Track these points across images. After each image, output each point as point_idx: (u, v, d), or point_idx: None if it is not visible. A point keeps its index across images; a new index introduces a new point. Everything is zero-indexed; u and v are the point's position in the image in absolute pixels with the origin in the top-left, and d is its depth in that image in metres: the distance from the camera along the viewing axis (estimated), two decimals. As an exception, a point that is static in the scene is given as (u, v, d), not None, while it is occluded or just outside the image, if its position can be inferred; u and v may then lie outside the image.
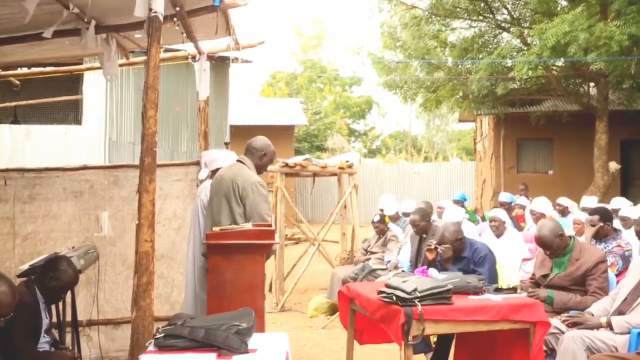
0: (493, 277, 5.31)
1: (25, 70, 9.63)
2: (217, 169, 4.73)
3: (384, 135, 45.29)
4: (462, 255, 5.36)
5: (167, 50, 6.93)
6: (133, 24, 4.85)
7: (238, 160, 4.52)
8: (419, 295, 3.84)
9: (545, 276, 4.76)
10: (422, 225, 6.47)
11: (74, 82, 13.25)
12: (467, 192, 17.31)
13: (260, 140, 4.57)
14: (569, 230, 7.27)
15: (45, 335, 4.04)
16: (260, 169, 4.53)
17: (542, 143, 18.69)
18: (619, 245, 5.64)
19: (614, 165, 14.57)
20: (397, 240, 8.12)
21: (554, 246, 4.63)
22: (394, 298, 3.90)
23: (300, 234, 13.88)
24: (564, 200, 9.41)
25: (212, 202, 4.40)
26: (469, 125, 29.54)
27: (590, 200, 9.07)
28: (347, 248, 9.58)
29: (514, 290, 4.57)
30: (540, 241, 4.70)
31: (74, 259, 4.33)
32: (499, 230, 7.18)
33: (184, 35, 5.01)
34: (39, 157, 11.63)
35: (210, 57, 6.19)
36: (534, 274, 4.95)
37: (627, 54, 12.98)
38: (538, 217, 8.13)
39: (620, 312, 4.13)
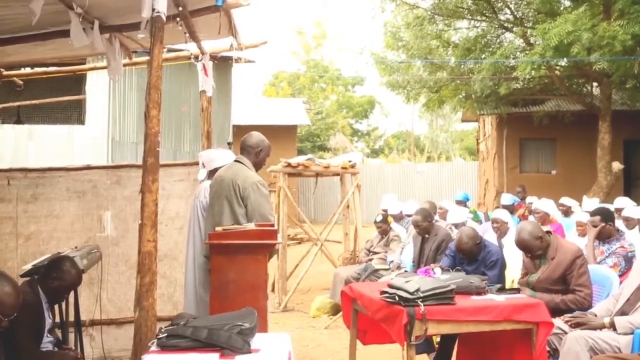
0: (501, 281, 5.29)
1: (28, 70, 9.65)
2: (216, 169, 4.71)
3: (386, 135, 45.32)
4: (476, 258, 5.35)
5: (169, 50, 6.93)
6: (136, 24, 4.85)
7: (236, 160, 4.50)
8: (421, 295, 3.83)
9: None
10: (425, 226, 6.46)
11: (77, 82, 13.26)
12: (469, 192, 17.33)
13: (254, 137, 4.55)
14: (572, 231, 7.29)
15: (48, 335, 4.04)
16: (258, 166, 4.50)
17: (545, 143, 18.66)
18: (622, 246, 5.63)
19: (617, 165, 14.55)
20: (399, 240, 8.12)
21: (534, 249, 4.61)
22: (397, 298, 3.89)
23: (302, 234, 13.87)
24: (566, 200, 9.40)
25: (213, 204, 4.38)
26: (472, 125, 29.52)
27: (592, 203, 9.05)
28: (350, 248, 9.58)
29: (517, 290, 4.57)
30: (521, 245, 4.67)
31: (77, 258, 4.33)
32: (501, 231, 7.19)
33: (187, 35, 5.01)
34: (42, 157, 11.64)
35: (213, 57, 6.19)
36: (525, 273, 4.93)
37: (631, 54, 12.96)
38: (542, 216, 8.13)
39: (623, 312, 4.11)
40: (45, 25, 4.52)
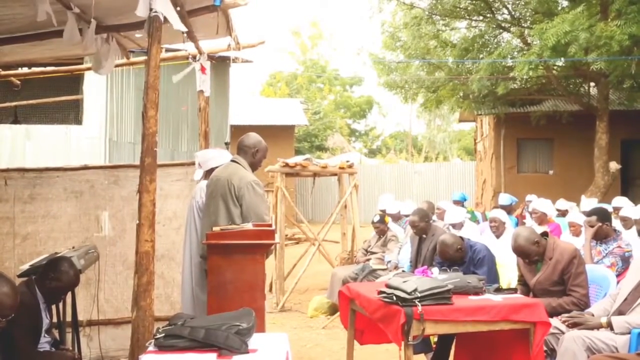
0: (493, 277, 5.31)
1: (25, 70, 9.64)
2: (212, 169, 4.72)
3: (384, 135, 45.33)
4: (463, 261, 5.36)
5: (167, 50, 6.93)
6: (133, 24, 4.85)
7: (232, 160, 4.51)
8: (419, 295, 3.83)
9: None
10: (422, 226, 6.46)
11: (74, 82, 13.26)
12: (467, 192, 17.35)
13: (251, 137, 4.56)
14: (568, 231, 7.31)
15: (45, 335, 4.04)
16: (254, 166, 4.51)
17: (543, 143, 18.69)
18: (619, 246, 5.64)
19: (614, 165, 14.57)
20: (397, 240, 8.13)
21: (531, 254, 4.61)
22: (394, 298, 3.89)
23: (300, 234, 13.88)
24: (562, 204, 9.47)
25: (208, 204, 4.39)
26: (470, 125, 29.54)
27: (590, 203, 9.08)
28: (348, 248, 9.58)
29: (514, 290, 4.57)
30: (517, 251, 4.68)
31: (75, 259, 4.33)
32: (499, 230, 7.21)
33: (185, 35, 5.01)
34: (40, 157, 11.64)
35: (210, 57, 6.19)
36: (522, 276, 4.93)
37: (628, 54, 12.98)
38: (540, 216, 8.15)
39: (620, 312, 4.12)
40: (42, 25, 4.52)
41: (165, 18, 3.76)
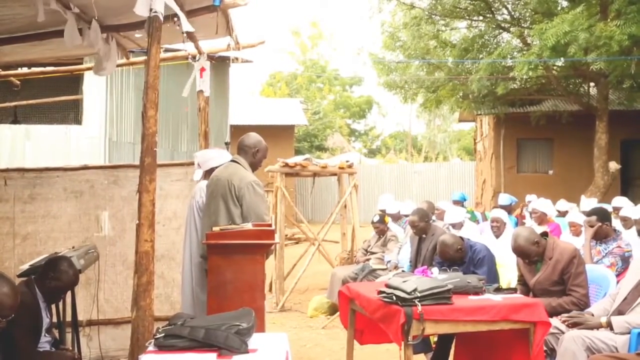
0: (493, 277, 5.31)
1: (25, 70, 9.65)
2: (212, 169, 4.72)
3: (384, 135, 45.34)
4: (463, 261, 5.36)
5: (167, 50, 6.93)
6: (133, 24, 4.86)
7: (233, 160, 4.51)
8: (419, 295, 3.83)
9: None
10: (421, 226, 6.47)
11: (74, 82, 13.25)
12: (467, 192, 17.35)
13: (252, 137, 4.56)
14: (567, 231, 7.32)
15: (45, 335, 4.04)
16: (254, 166, 4.51)
17: (542, 143, 18.70)
18: (619, 246, 5.64)
19: (614, 165, 14.58)
20: (397, 240, 8.13)
21: (531, 254, 4.62)
22: (394, 298, 3.90)
23: (300, 234, 13.89)
24: (562, 205, 9.46)
25: (209, 204, 4.38)
26: (470, 125, 29.54)
27: (590, 203, 9.08)
28: (347, 248, 9.58)
29: (514, 290, 4.58)
30: (517, 251, 4.68)
31: (74, 258, 4.33)
32: (500, 230, 7.22)
33: (184, 35, 5.01)
34: (39, 157, 11.64)
35: (210, 57, 6.19)
36: (522, 276, 4.93)
37: (627, 54, 12.99)
38: (540, 216, 8.15)
39: (620, 312, 4.12)
40: (42, 25, 4.52)
41: (165, 18, 3.77)
